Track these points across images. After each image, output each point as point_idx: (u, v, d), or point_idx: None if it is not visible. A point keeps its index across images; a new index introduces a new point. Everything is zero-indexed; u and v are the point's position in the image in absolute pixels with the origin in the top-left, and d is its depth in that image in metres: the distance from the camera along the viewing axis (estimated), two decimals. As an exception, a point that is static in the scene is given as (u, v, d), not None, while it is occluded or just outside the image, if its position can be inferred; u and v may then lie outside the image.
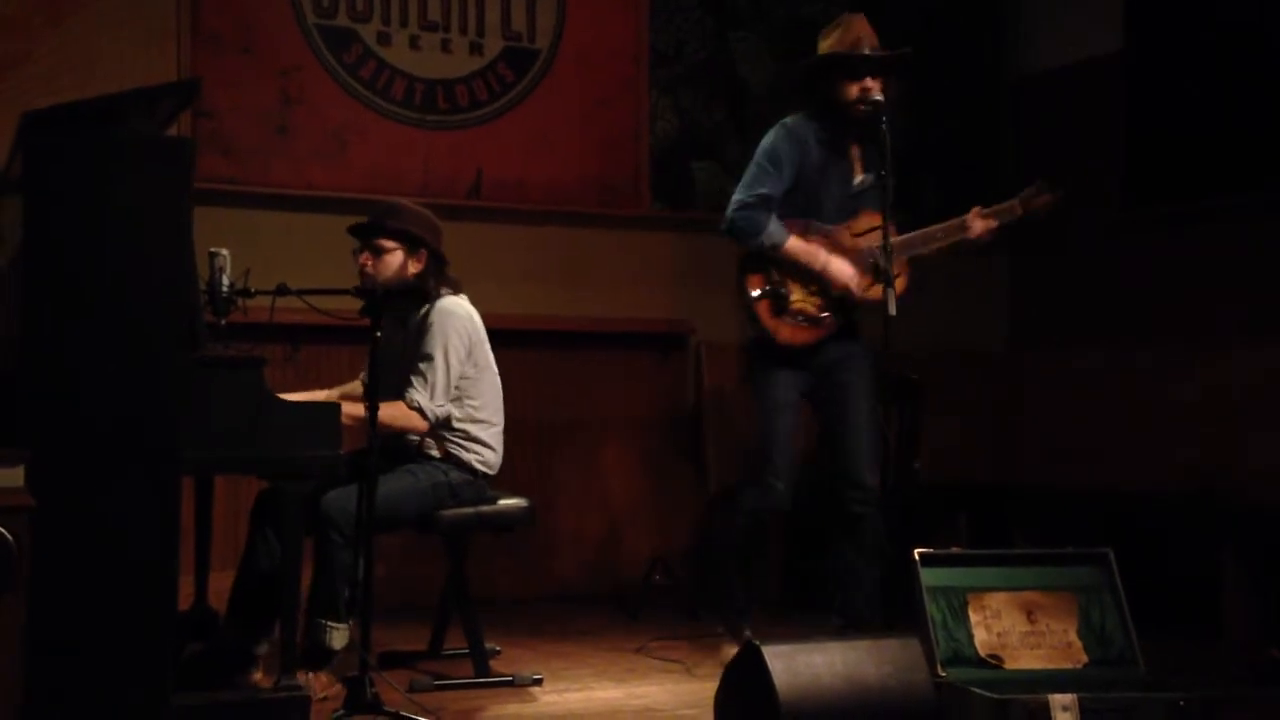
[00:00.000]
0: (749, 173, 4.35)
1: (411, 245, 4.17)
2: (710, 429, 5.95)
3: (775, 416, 4.33)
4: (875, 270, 4.23)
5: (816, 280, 4.29)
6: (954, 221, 4.35)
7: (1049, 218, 4.43)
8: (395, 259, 4.16)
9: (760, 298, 4.30)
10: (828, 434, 4.42)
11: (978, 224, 4.34)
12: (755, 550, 4.49)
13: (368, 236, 4.20)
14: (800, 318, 4.30)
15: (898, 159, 4.31)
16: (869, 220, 4.27)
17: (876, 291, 4.22)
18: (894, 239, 4.18)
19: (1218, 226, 5.67)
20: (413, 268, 4.17)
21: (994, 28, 6.65)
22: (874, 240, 4.19)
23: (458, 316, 4.19)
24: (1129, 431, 5.94)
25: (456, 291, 4.27)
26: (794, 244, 4.27)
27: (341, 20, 5.55)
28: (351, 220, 4.30)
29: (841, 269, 4.26)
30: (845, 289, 4.27)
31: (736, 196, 4.33)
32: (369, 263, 4.17)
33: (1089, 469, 6.02)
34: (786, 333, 4.30)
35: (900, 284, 4.23)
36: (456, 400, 4.19)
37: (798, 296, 4.30)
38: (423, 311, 4.21)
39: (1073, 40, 6.36)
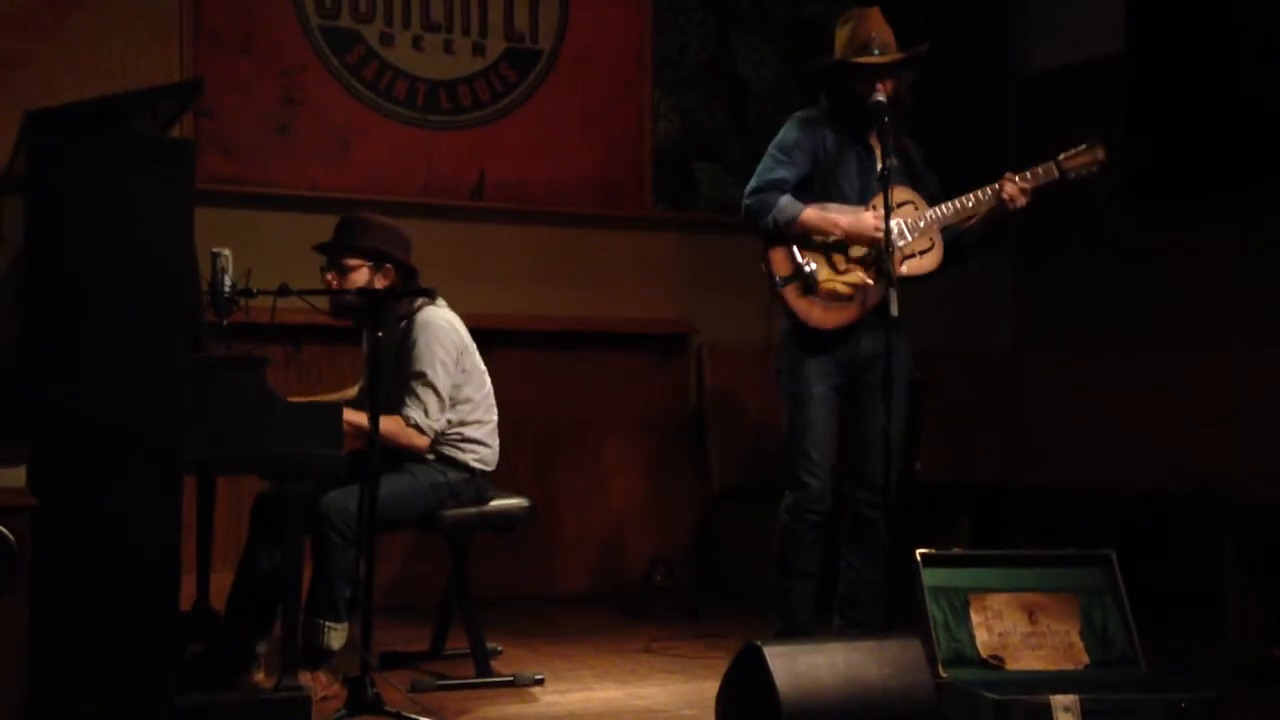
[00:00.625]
0: (760, 164, 4.26)
1: (376, 261, 4.13)
2: (712, 430, 5.96)
3: (809, 408, 4.18)
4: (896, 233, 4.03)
5: (842, 251, 4.15)
6: (987, 189, 4.16)
7: (1089, 178, 4.21)
8: (360, 276, 4.10)
9: (788, 280, 4.16)
10: (847, 434, 4.31)
11: (1010, 187, 4.13)
12: (803, 554, 4.20)
13: (331, 254, 4.15)
14: (831, 298, 4.15)
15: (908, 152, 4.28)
16: (892, 196, 4.04)
17: (910, 266, 4.12)
18: (924, 212, 4.14)
19: (1218, 226, 5.68)
20: (379, 283, 4.11)
21: (995, 28, 6.66)
22: (900, 214, 4.04)
23: (440, 329, 4.16)
24: (1129, 431, 5.94)
25: (433, 300, 4.23)
26: (810, 213, 4.14)
27: (344, 21, 5.55)
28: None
29: (864, 219, 4.11)
30: (874, 237, 4.06)
31: (748, 186, 4.23)
32: (335, 281, 4.12)
33: (1089, 469, 6.02)
34: (819, 315, 4.15)
35: (933, 258, 4.18)
36: (450, 407, 4.18)
37: (825, 276, 4.15)
38: (404, 325, 4.18)
39: (1073, 40, 6.36)
